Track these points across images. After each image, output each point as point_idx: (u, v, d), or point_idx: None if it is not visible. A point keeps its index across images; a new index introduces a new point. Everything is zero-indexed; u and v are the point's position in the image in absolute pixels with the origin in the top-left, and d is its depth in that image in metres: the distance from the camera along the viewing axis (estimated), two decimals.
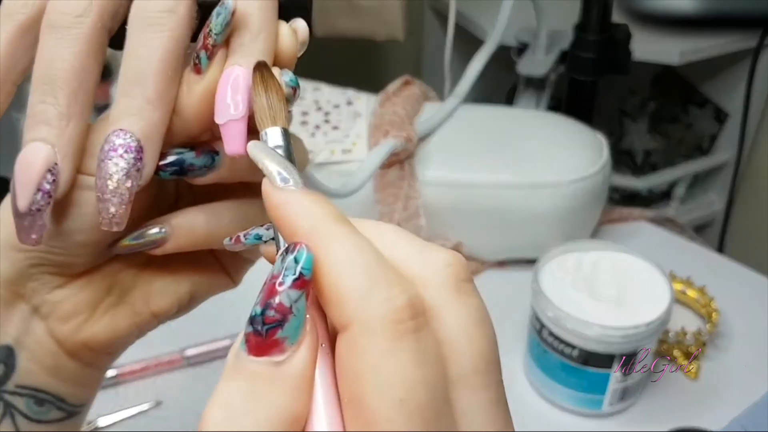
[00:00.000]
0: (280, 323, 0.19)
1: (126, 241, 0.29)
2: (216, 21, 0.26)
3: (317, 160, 0.69)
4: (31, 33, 0.26)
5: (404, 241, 0.21)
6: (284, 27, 0.28)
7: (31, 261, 0.28)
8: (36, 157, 0.25)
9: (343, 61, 1.27)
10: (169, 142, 0.27)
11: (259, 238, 0.27)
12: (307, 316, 0.19)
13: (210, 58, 0.26)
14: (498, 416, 0.20)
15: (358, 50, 1.30)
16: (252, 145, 0.22)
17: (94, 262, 0.30)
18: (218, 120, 0.26)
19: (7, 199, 0.27)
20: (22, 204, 0.25)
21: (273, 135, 0.24)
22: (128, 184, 0.25)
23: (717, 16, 0.23)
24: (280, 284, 0.19)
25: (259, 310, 0.19)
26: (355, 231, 0.20)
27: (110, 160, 0.25)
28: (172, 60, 0.26)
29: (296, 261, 0.19)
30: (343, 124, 0.73)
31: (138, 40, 0.26)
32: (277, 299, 0.19)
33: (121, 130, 0.25)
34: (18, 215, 0.25)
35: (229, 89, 0.26)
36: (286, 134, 0.24)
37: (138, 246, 0.29)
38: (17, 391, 0.29)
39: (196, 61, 0.26)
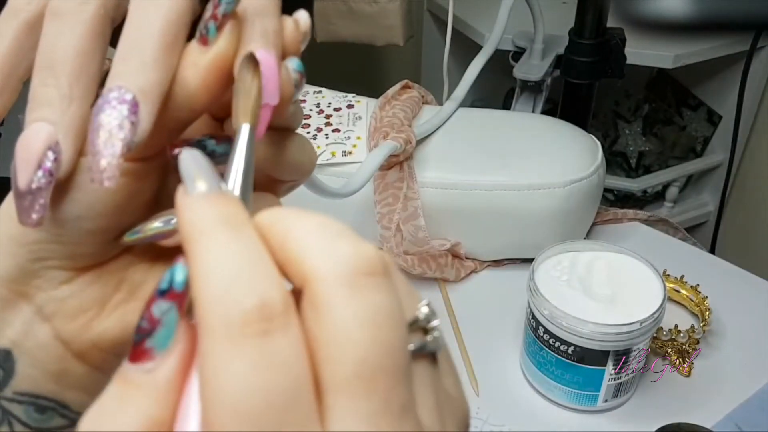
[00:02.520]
0: (149, 333, 0.19)
1: (134, 233, 0.28)
2: None
3: (318, 161, 0.70)
4: (36, 30, 0.26)
5: (316, 233, 0.20)
6: (287, 20, 0.28)
7: (35, 255, 0.27)
8: (37, 136, 0.24)
9: (344, 65, 1.28)
10: (172, 117, 0.26)
11: None
12: (180, 325, 0.20)
13: (219, 28, 0.25)
14: (380, 429, 0.18)
15: (359, 55, 1.31)
16: (187, 152, 0.21)
17: (102, 255, 0.28)
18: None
19: (10, 194, 0.26)
20: (22, 182, 0.24)
21: (244, 130, 0.24)
22: (121, 135, 0.24)
23: (710, 20, 0.23)
24: (155, 295, 0.19)
25: (139, 319, 0.19)
26: (235, 234, 0.19)
27: (103, 112, 0.24)
28: (173, 29, 0.25)
29: (171, 273, 0.20)
30: (344, 127, 0.74)
31: (138, 10, 0.25)
32: (150, 310, 0.19)
33: (116, 86, 0.24)
34: (18, 195, 0.24)
35: (273, 76, 0.25)
36: (252, 133, 0.24)
37: (147, 238, 0.28)
38: (15, 398, 0.28)
39: (204, 32, 0.25)
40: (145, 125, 0.24)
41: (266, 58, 0.25)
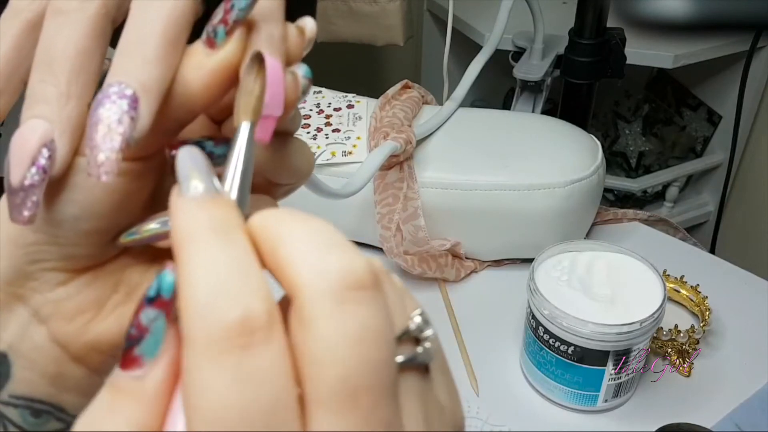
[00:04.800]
0: (137, 341, 0.19)
1: (131, 234, 0.27)
2: None
3: (318, 161, 0.70)
4: (38, 30, 0.26)
5: (308, 241, 0.19)
6: (290, 27, 0.27)
7: (31, 257, 0.26)
8: (33, 132, 0.24)
9: (344, 65, 1.28)
10: (170, 116, 0.26)
11: None
12: (168, 333, 0.19)
13: (228, 33, 0.25)
14: None
15: (359, 55, 1.31)
16: (185, 149, 0.21)
17: (98, 256, 0.28)
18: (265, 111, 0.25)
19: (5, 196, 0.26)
20: (15, 178, 0.24)
21: (244, 129, 0.23)
22: (120, 129, 0.23)
23: (710, 20, 0.23)
24: (143, 303, 0.19)
25: (128, 326, 0.19)
26: (224, 242, 0.19)
27: (102, 106, 0.24)
28: (175, 27, 0.25)
29: (159, 280, 0.19)
30: (344, 127, 0.74)
31: (141, 8, 0.25)
32: (138, 317, 0.19)
33: (116, 81, 0.24)
34: (11, 191, 0.24)
35: (279, 86, 0.25)
36: (252, 131, 0.24)
37: (143, 239, 0.27)
38: (11, 401, 0.27)
39: (211, 35, 0.25)
40: (145, 121, 0.24)
41: (273, 64, 0.25)
